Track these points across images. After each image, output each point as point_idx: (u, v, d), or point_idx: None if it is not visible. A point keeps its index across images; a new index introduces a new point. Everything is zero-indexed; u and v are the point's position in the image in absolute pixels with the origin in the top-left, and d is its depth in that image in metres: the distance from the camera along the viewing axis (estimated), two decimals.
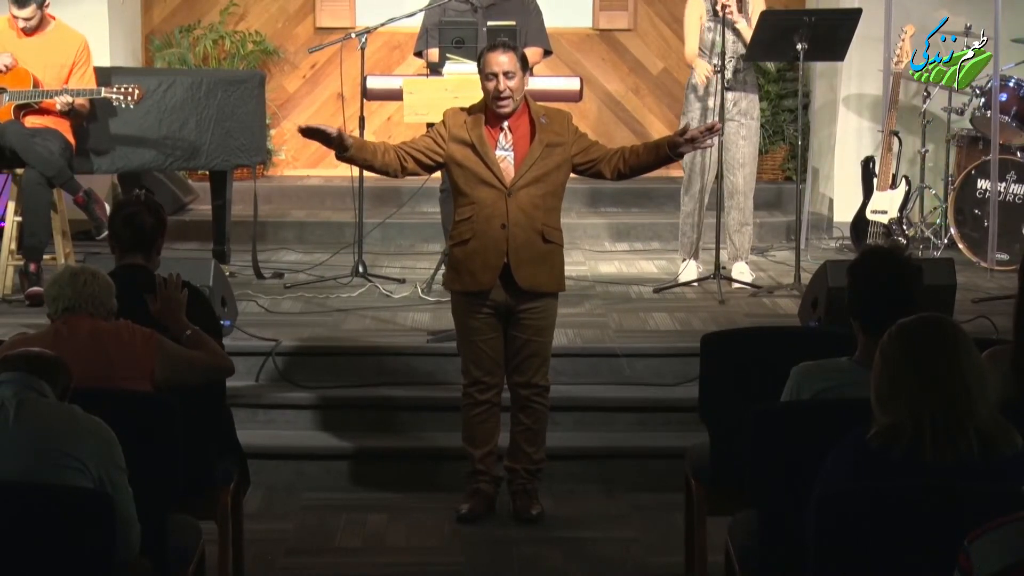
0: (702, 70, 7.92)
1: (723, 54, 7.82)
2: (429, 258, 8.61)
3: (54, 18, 7.65)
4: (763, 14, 7.82)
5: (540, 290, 5.69)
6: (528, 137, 5.65)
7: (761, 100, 10.27)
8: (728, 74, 7.84)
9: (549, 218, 5.70)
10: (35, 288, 7.23)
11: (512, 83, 5.58)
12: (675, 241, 8.68)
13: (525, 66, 5.67)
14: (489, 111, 5.65)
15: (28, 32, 7.53)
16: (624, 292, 8.04)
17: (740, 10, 7.84)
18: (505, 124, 5.64)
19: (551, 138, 5.63)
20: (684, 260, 8.28)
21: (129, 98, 7.40)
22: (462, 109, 5.71)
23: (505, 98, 5.59)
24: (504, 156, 5.63)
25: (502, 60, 5.59)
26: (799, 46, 7.74)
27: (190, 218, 9.69)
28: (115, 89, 7.40)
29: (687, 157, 8.02)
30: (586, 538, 5.69)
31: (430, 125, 5.98)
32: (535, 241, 5.65)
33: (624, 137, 10.84)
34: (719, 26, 7.87)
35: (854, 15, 8.02)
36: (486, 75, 5.62)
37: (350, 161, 5.71)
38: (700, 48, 8.02)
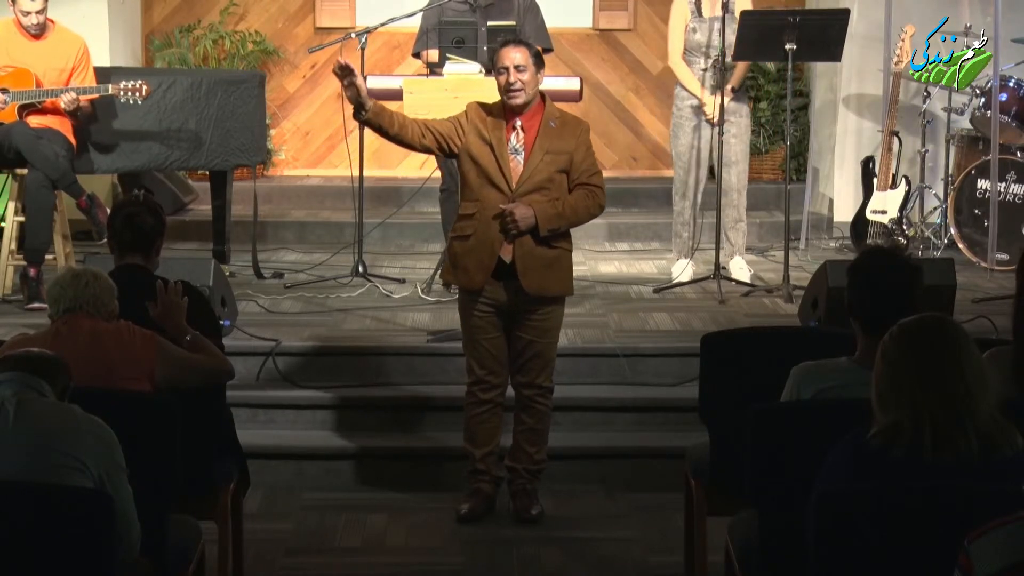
0: (708, 105, 7.95)
1: (723, 53, 7.84)
2: (429, 258, 8.60)
3: (54, 22, 7.64)
4: (744, 13, 7.77)
5: (548, 295, 5.68)
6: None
7: (760, 100, 10.31)
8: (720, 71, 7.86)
9: None
10: (37, 304, 7.15)
11: (524, 76, 5.55)
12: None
13: (540, 63, 5.64)
14: (506, 110, 5.62)
15: (36, 35, 7.50)
16: (624, 292, 8.03)
17: (725, 9, 7.81)
18: (518, 124, 5.61)
19: (554, 145, 5.59)
20: (677, 259, 8.28)
21: (137, 94, 7.40)
22: (482, 106, 5.67)
23: (516, 90, 5.57)
24: (514, 156, 5.61)
25: (514, 55, 5.57)
26: (788, 46, 7.72)
27: (190, 218, 9.69)
28: (122, 85, 7.40)
29: (676, 156, 8.06)
30: (586, 538, 5.69)
31: None
32: (541, 246, 5.62)
33: (624, 137, 10.85)
34: (705, 26, 7.88)
35: (842, 15, 7.97)
36: (498, 70, 5.59)
37: (365, 123, 5.63)
38: (686, 49, 8.03)
